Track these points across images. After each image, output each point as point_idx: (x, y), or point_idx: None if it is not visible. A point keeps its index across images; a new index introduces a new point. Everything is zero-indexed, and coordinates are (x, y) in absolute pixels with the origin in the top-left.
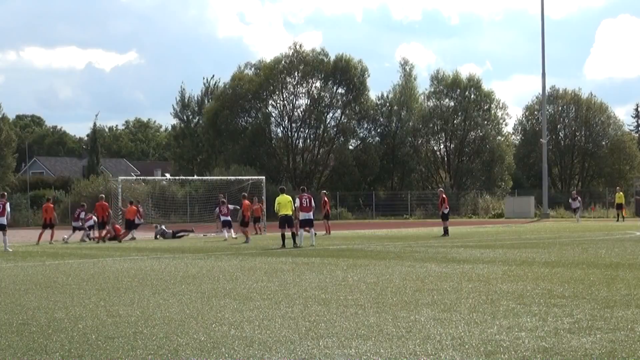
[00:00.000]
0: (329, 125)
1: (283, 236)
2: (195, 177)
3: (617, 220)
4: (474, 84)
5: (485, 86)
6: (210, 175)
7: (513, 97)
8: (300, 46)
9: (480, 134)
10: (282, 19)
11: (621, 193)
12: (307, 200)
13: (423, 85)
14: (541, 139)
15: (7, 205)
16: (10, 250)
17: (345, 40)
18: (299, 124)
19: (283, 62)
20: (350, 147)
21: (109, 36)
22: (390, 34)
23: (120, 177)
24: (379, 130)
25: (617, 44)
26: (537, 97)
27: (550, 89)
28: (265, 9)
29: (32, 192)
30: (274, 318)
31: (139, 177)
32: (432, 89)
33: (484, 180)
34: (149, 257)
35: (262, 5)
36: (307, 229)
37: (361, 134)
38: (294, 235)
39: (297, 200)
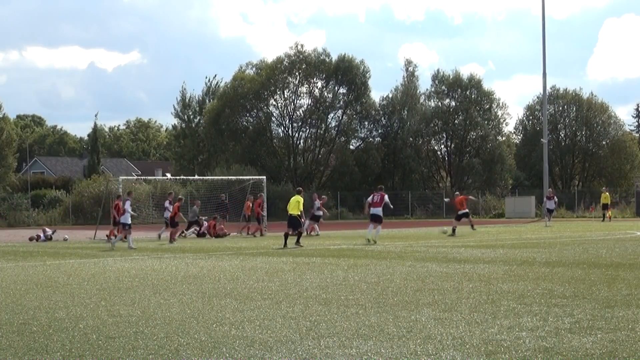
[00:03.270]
0: (330, 126)
1: (285, 236)
2: (196, 177)
3: (603, 220)
4: (474, 83)
5: (487, 86)
6: (211, 175)
7: (515, 97)
8: (302, 46)
9: (481, 133)
10: (285, 18)
11: (607, 194)
12: (378, 197)
13: (425, 85)
14: (542, 139)
15: (127, 204)
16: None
17: (347, 40)
18: (300, 124)
19: (285, 61)
20: (351, 147)
21: (112, 36)
22: (392, 33)
23: (121, 177)
24: (380, 130)
25: (621, 43)
26: (538, 97)
27: (551, 88)
28: (268, 9)
29: (33, 192)
30: (274, 318)
31: (139, 177)
32: (434, 89)
33: (485, 180)
34: (149, 257)
35: (265, 4)
36: (374, 224)
37: (362, 134)
38: (286, 237)
39: (370, 197)
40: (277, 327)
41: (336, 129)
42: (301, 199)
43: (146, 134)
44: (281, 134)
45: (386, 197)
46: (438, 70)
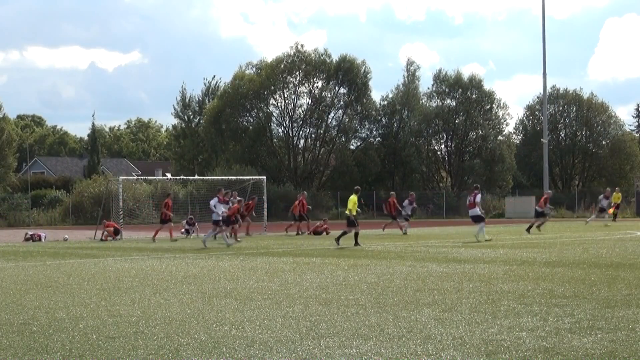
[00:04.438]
0: (330, 125)
1: (354, 234)
2: (197, 177)
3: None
4: (475, 84)
5: (488, 86)
6: (211, 175)
7: (515, 97)
8: (302, 46)
9: (481, 133)
10: (286, 18)
11: (619, 193)
12: (472, 197)
13: (425, 85)
14: (542, 139)
15: (477, 197)
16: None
17: (348, 39)
18: (300, 124)
19: (285, 61)
20: (352, 147)
21: (112, 36)
22: (394, 34)
23: (121, 177)
24: (380, 130)
25: (622, 43)
26: (538, 97)
27: (551, 88)
28: (269, 9)
29: (33, 192)
30: (274, 318)
31: (139, 177)
32: (434, 89)
33: (485, 180)
34: (149, 257)
35: (266, 4)
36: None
37: (362, 134)
38: (342, 235)
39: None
40: (277, 327)
41: (336, 128)
42: (354, 198)
43: (146, 134)
44: (281, 134)
45: (478, 196)
46: (439, 70)
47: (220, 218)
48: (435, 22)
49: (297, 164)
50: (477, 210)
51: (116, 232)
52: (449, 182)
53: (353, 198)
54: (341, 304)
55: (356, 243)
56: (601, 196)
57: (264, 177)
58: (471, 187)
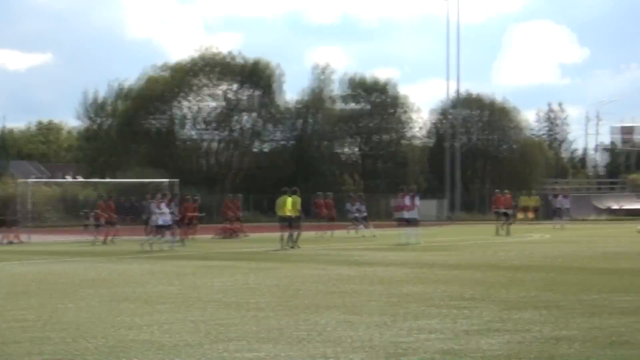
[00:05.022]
0: (242, 128)
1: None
2: (107, 179)
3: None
4: (387, 87)
5: (400, 90)
6: (121, 178)
7: (427, 101)
8: (216, 48)
9: (392, 137)
10: (201, 20)
11: (537, 197)
12: (410, 199)
13: (337, 88)
14: (450, 142)
15: (416, 199)
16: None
17: (263, 42)
18: (211, 126)
19: (197, 63)
20: (264, 150)
21: (20, 37)
22: (308, 37)
23: (30, 180)
24: (292, 133)
25: (528, 49)
26: (449, 101)
27: (462, 93)
28: (183, 10)
29: None
30: (174, 322)
31: (49, 180)
32: (347, 93)
33: (396, 183)
34: (49, 261)
35: (181, 5)
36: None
37: (274, 137)
38: (293, 236)
39: (399, 199)
40: (176, 331)
41: (248, 131)
42: (289, 199)
43: (56, 136)
44: (193, 137)
45: (416, 199)
46: (352, 74)
47: (161, 222)
48: (350, 25)
49: (208, 167)
50: (415, 214)
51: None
52: (360, 185)
53: (297, 199)
54: (243, 307)
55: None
56: (551, 197)
57: (177, 179)
58: (405, 189)
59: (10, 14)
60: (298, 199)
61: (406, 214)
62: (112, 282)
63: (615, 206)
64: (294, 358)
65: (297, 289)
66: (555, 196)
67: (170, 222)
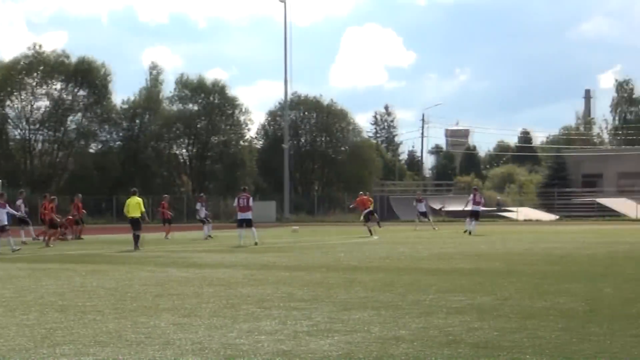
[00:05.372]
0: (69, 128)
1: (135, 238)
2: None
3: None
4: (218, 89)
5: (231, 91)
6: None
7: (258, 103)
8: (40, 47)
9: (224, 138)
10: (25, 18)
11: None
12: (245, 200)
13: (168, 89)
14: (283, 144)
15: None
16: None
17: (91, 41)
18: (38, 127)
19: (22, 62)
20: (91, 151)
21: None
22: (136, 36)
23: None
24: (121, 134)
25: (362, 52)
26: (280, 103)
27: (293, 94)
28: (7, 8)
29: None
30: (8, 326)
31: None
32: (177, 93)
33: (226, 185)
34: None
35: (3, 3)
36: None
37: (103, 138)
38: (137, 237)
39: (235, 200)
40: (10, 335)
41: (75, 132)
42: (140, 200)
43: None
44: (18, 137)
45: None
46: (182, 75)
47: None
48: (179, 25)
49: (34, 168)
50: (250, 215)
51: None
52: (190, 186)
53: (139, 200)
54: (78, 310)
55: (135, 246)
56: (415, 202)
57: (0, 180)
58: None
59: None
60: (141, 200)
61: (241, 215)
62: None
63: (437, 207)
64: None
65: (133, 291)
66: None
67: (5, 223)
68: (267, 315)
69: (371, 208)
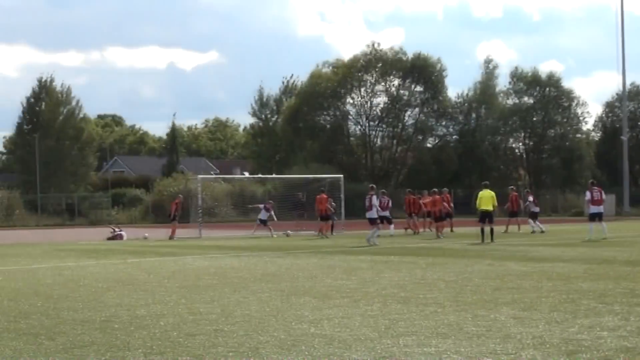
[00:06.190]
0: (407, 124)
1: (482, 231)
2: (274, 175)
3: None
4: (553, 81)
5: (566, 83)
6: (288, 174)
7: (594, 94)
8: (378, 44)
9: (560, 131)
10: (363, 17)
11: None
12: (599, 193)
13: (502, 82)
14: (621, 136)
15: (374, 198)
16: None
17: (425, 37)
18: (376, 122)
19: (361, 60)
20: (428, 146)
21: (190, 36)
22: (471, 31)
23: (200, 176)
24: (457, 128)
25: None
26: (617, 94)
27: (631, 85)
28: (346, 7)
29: (114, 191)
30: (353, 316)
31: (218, 176)
32: (512, 87)
33: (564, 178)
34: (228, 255)
35: (343, 3)
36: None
37: (439, 132)
38: (492, 231)
39: (588, 194)
40: (355, 325)
41: (413, 127)
42: (493, 194)
43: (224, 133)
44: (358, 133)
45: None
46: (516, 68)
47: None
48: (513, 19)
49: (373, 163)
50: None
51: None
52: (527, 180)
53: (491, 193)
54: (419, 302)
55: (482, 240)
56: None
57: (341, 175)
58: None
59: (183, 14)
60: (493, 194)
61: (594, 209)
62: (281, 276)
63: None
64: (462, 354)
65: (472, 284)
66: None
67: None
68: (608, 310)
69: None
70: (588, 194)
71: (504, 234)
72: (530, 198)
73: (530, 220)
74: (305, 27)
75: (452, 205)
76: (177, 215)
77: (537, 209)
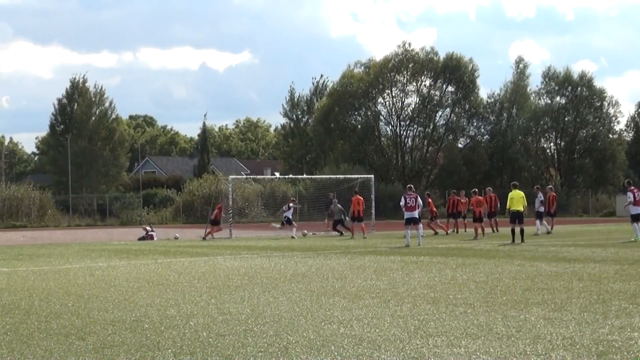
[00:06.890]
0: (438, 124)
1: (513, 231)
2: (305, 175)
3: None
4: (585, 81)
5: (599, 83)
6: (319, 174)
7: (627, 94)
8: (409, 44)
9: (592, 131)
10: (395, 17)
11: None
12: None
13: (534, 82)
14: None
15: (418, 199)
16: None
17: (458, 37)
18: (408, 122)
19: (393, 60)
20: (460, 146)
21: (223, 36)
22: (503, 31)
23: (231, 177)
24: (488, 128)
25: None
26: None
27: None
28: (378, 8)
29: (145, 191)
30: (383, 317)
31: (249, 177)
32: (543, 87)
33: (595, 179)
34: (259, 256)
35: (375, 3)
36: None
37: (470, 133)
38: (522, 232)
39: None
40: (385, 326)
41: (444, 127)
42: (523, 194)
43: (255, 134)
44: (389, 133)
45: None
46: (548, 68)
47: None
48: (546, 18)
49: (405, 163)
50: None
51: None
52: (559, 180)
53: (521, 194)
54: (449, 302)
55: (513, 240)
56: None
57: (372, 175)
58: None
59: (216, 15)
60: (523, 194)
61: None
62: (311, 277)
63: None
64: (492, 354)
65: (502, 284)
66: None
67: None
68: (636, 311)
69: None
70: (630, 195)
71: (547, 234)
72: (540, 196)
73: (537, 221)
74: (337, 28)
75: (498, 205)
76: (220, 220)
77: (542, 209)
